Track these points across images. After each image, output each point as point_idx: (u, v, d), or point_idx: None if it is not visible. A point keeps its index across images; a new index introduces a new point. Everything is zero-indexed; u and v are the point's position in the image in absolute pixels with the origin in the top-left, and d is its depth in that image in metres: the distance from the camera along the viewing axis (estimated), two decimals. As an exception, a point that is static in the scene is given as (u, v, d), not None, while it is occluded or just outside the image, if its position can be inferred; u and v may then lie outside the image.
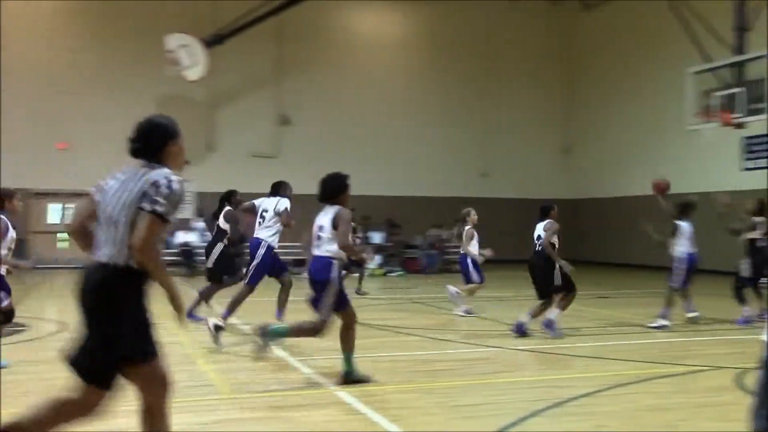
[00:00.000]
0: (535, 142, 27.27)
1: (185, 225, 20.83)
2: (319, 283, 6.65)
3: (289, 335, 6.83)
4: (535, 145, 27.25)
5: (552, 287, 9.48)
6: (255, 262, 9.12)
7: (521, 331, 9.35)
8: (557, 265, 9.36)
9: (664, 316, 10.29)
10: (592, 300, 14.14)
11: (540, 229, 9.69)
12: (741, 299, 10.72)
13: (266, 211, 9.33)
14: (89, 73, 22.50)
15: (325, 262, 6.65)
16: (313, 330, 6.64)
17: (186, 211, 23.32)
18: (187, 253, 19.96)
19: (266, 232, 9.24)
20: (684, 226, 10.68)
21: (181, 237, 20.34)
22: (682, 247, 10.59)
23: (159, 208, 3.60)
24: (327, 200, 6.83)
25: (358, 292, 14.61)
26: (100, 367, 3.65)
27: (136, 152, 3.87)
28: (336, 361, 7.64)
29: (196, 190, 23.77)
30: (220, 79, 23.67)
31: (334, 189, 6.83)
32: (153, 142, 3.85)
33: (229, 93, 24.25)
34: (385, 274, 20.59)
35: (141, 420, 3.84)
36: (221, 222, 10.67)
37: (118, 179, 3.82)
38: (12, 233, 7.12)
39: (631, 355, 8.29)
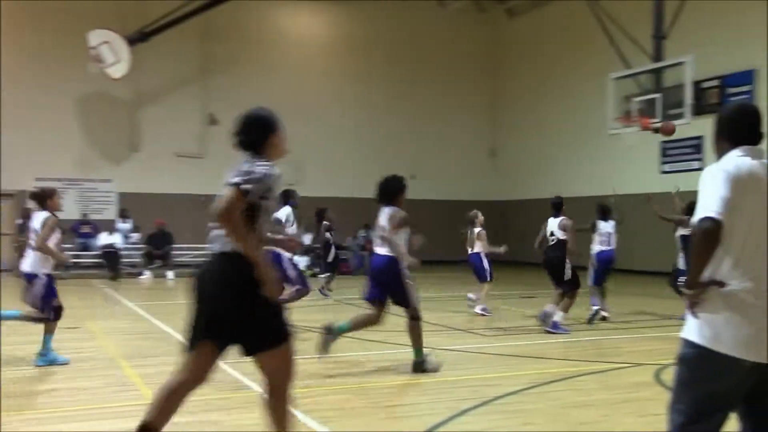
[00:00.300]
0: (462, 144, 27.62)
1: (109, 226, 20.28)
2: (381, 280, 7.26)
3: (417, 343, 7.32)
4: (462, 148, 27.60)
5: (564, 281, 10.07)
6: (291, 273, 9.34)
7: (553, 326, 9.80)
8: (568, 261, 10.02)
9: (594, 304, 11.06)
10: (517, 300, 14.41)
11: (554, 225, 10.26)
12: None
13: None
14: (8, 69, 21.68)
15: (386, 259, 7.15)
16: (414, 321, 7.28)
17: (109, 212, 22.80)
18: (110, 255, 19.43)
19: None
20: (602, 224, 11.35)
21: (105, 239, 19.79)
22: (594, 245, 11.46)
23: (238, 181, 3.69)
24: (384, 201, 7.35)
25: (322, 291, 15.08)
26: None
27: (239, 145, 4.00)
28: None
29: (119, 190, 23.25)
30: (144, 77, 23.17)
31: (390, 190, 7.40)
32: (255, 134, 3.99)
33: (154, 91, 23.76)
34: (314, 275, 20.49)
35: (265, 406, 4.05)
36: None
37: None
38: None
39: (556, 353, 8.47)
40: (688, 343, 3.22)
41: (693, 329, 3.20)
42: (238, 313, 3.75)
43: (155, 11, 20.52)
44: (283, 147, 4.14)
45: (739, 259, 3.10)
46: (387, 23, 26.42)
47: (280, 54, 25.25)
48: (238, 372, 7.07)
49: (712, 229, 3.01)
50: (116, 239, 19.87)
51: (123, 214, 21.41)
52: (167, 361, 7.80)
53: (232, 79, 24.41)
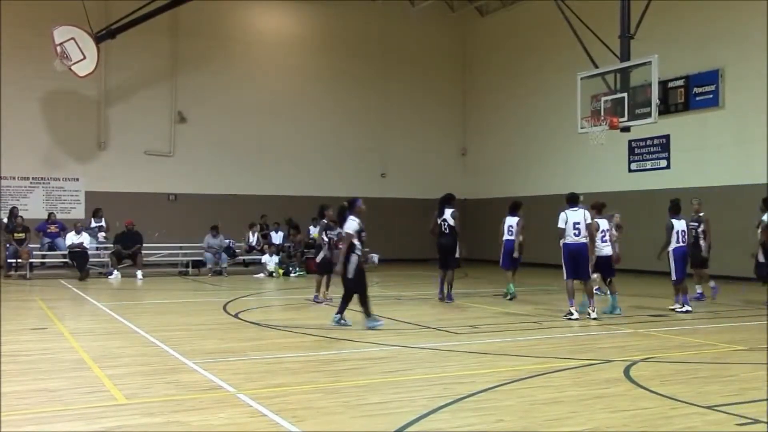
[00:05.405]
0: (433, 142, 27.70)
1: (76, 226, 19.95)
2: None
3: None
4: (433, 146, 27.68)
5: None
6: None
7: None
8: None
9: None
10: (490, 298, 14.48)
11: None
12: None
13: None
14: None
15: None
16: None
17: (77, 211, 22.50)
18: (78, 254, 19.11)
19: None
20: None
21: (72, 238, 19.46)
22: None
23: None
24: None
25: (316, 299, 13.41)
26: None
27: None
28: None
29: (87, 189, 22.98)
30: (112, 75, 22.95)
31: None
32: None
33: (122, 89, 23.50)
34: (285, 275, 20.42)
35: None
36: (450, 220, 13.28)
37: None
38: None
39: (528, 350, 8.52)
40: None
41: None
42: None
43: (123, 8, 20.26)
44: None
45: None
46: (358, 22, 26.40)
47: (250, 52, 25.11)
48: (209, 372, 7.02)
49: None
50: (84, 239, 19.58)
51: (95, 214, 21.07)
52: (136, 361, 7.72)
53: (202, 77, 24.25)
